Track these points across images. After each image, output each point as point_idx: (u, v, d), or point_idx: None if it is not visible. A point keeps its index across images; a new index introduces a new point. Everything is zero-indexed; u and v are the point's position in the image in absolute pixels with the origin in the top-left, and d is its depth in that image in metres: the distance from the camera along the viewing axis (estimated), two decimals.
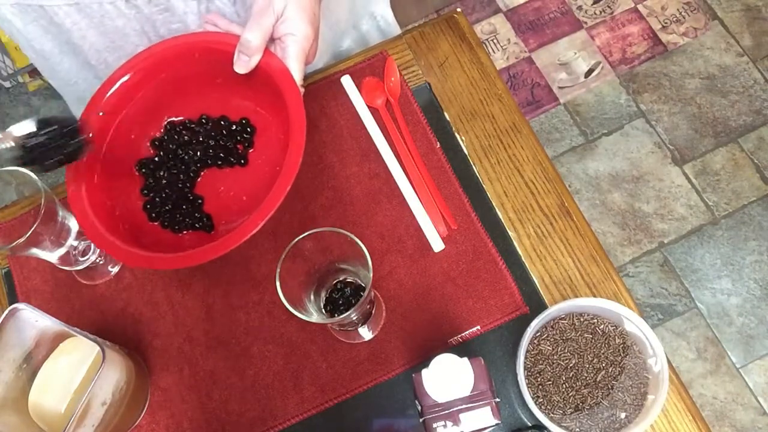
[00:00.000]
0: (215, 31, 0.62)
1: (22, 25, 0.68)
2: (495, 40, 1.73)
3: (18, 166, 0.52)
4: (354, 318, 0.54)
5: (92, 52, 0.70)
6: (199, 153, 0.65)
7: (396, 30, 0.87)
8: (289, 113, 0.57)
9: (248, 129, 0.65)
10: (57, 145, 0.53)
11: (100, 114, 0.61)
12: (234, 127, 0.66)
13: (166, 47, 0.62)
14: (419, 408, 0.51)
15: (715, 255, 1.46)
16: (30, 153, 0.51)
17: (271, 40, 0.59)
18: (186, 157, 0.65)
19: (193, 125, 0.66)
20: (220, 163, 0.65)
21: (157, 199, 0.64)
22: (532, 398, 0.54)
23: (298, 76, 0.58)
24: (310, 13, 0.57)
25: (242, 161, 0.65)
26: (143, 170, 0.65)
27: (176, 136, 0.66)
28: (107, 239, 0.56)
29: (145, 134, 0.66)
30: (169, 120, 0.66)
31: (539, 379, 0.57)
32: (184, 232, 0.63)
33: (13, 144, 0.51)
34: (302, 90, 0.59)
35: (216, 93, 0.65)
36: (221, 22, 0.62)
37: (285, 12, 0.56)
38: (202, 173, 0.66)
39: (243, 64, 0.59)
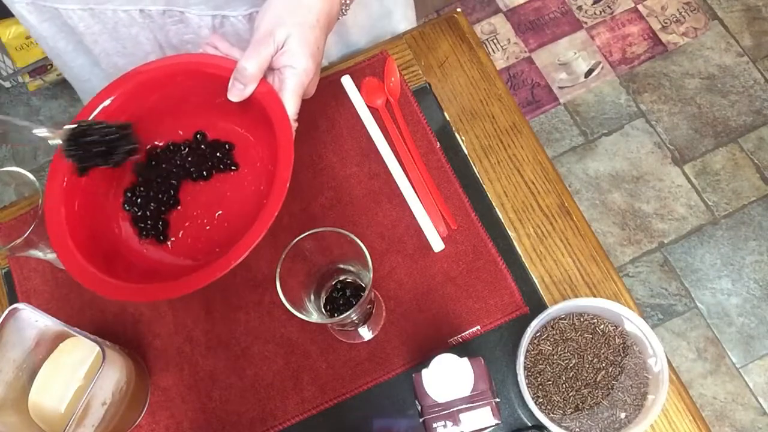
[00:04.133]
0: (213, 54, 0.60)
1: (36, 22, 0.68)
2: (495, 40, 1.73)
3: (68, 157, 0.54)
4: (354, 318, 0.54)
5: (103, 56, 0.71)
6: (179, 171, 0.64)
7: (413, 23, 0.85)
8: (277, 147, 0.55)
9: (226, 146, 0.64)
10: (109, 144, 0.54)
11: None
12: (209, 147, 0.64)
13: (158, 67, 0.61)
14: (419, 408, 0.51)
15: (715, 255, 1.46)
16: (79, 149, 0.53)
17: (270, 69, 0.57)
18: (166, 182, 0.64)
19: (171, 148, 0.65)
20: (195, 176, 0.64)
21: (138, 200, 0.63)
22: (532, 398, 0.54)
23: (292, 110, 0.56)
24: (314, 47, 0.55)
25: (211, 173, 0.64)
26: (126, 203, 0.63)
27: (155, 162, 0.64)
28: (85, 268, 0.55)
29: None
30: (149, 146, 0.65)
31: (539, 379, 0.57)
32: (145, 237, 0.62)
33: (60, 141, 0.53)
34: (295, 125, 0.57)
35: (207, 118, 0.64)
36: (222, 45, 0.60)
37: (286, 43, 0.54)
38: (181, 186, 0.65)
39: (237, 92, 0.57)
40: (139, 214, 0.62)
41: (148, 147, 0.65)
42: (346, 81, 0.72)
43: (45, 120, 1.75)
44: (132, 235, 0.62)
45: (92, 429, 0.52)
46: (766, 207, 1.49)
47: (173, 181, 0.64)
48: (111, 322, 0.66)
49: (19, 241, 0.54)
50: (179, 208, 0.64)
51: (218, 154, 0.64)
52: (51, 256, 0.61)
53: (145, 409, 0.62)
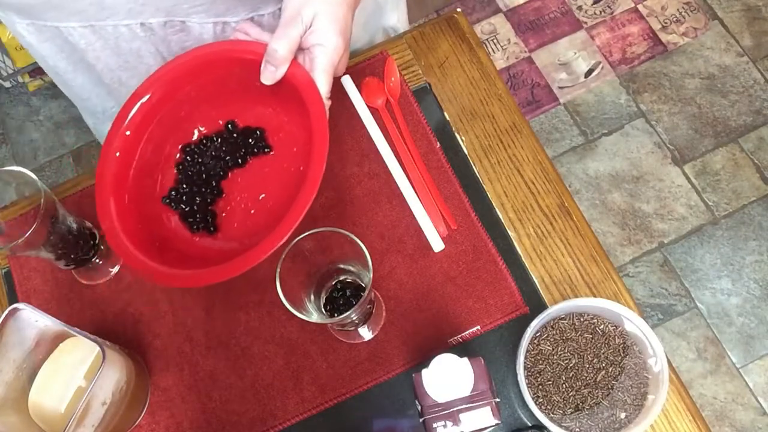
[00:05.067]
0: (243, 40, 0.61)
1: (36, 42, 0.68)
2: (495, 40, 1.73)
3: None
4: (354, 318, 0.54)
5: (106, 71, 0.70)
6: (218, 167, 0.65)
7: (405, 26, 0.86)
8: (312, 127, 0.56)
9: (257, 132, 0.65)
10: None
11: (127, 133, 0.61)
12: (242, 135, 0.65)
13: (190, 59, 0.62)
14: (419, 408, 0.51)
15: (715, 255, 1.46)
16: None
17: (300, 49, 0.57)
18: (206, 175, 0.65)
19: (205, 142, 0.66)
20: (231, 164, 0.65)
21: (182, 196, 0.64)
22: (532, 398, 0.54)
23: (324, 88, 0.56)
24: (342, 24, 0.55)
25: (249, 158, 0.65)
26: (172, 202, 0.64)
27: (193, 158, 0.65)
28: (141, 260, 0.56)
29: (173, 148, 0.66)
30: (183, 145, 0.66)
31: (539, 379, 0.57)
32: (196, 231, 0.63)
33: None
34: (328, 103, 0.57)
35: (243, 104, 0.64)
36: (252, 30, 0.61)
37: (314, 22, 0.54)
38: (225, 179, 0.65)
39: (269, 75, 0.57)
40: (187, 210, 0.63)
41: (182, 145, 0.65)
42: (346, 81, 0.72)
43: (45, 120, 1.75)
44: (182, 228, 0.63)
45: (92, 429, 0.52)
46: (766, 207, 1.49)
47: (213, 173, 0.64)
48: (111, 322, 0.66)
49: (19, 241, 0.54)
50: (223, 196, 0.64)
51: (250, 140, 0.64)
52: (51, 255, 0.61)
53: (145, 409, 0.62)
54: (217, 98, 0.64)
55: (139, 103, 0.61)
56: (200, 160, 0.65)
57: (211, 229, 0.63)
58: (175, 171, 0.65)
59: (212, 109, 0.65)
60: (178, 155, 0.65)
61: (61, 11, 0.62)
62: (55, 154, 1.71)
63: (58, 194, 0.73)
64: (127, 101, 0.61)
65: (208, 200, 0.63)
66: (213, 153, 0.65)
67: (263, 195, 0.64)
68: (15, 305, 0.52)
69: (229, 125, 0.65)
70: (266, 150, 0.64)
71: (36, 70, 1.68)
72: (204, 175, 0.64)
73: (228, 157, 0.65)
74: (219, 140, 0.65)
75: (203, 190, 0.64)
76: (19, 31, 0.67)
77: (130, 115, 0.61)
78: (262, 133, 0.65)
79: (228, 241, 0.63)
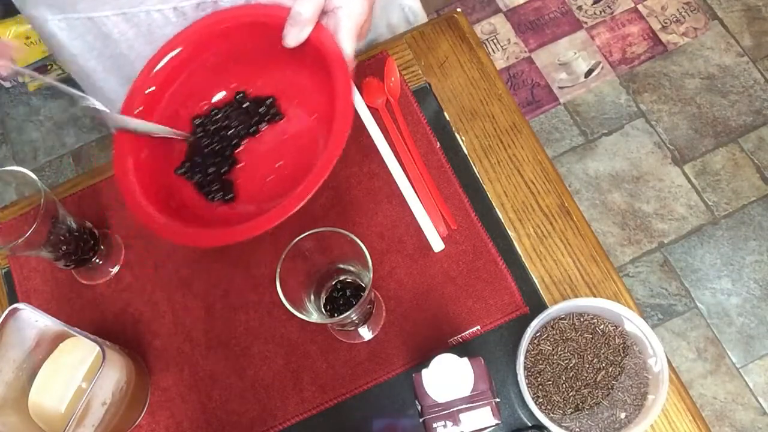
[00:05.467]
0: (265, 4, 0.60)
1: (68, 40, 0.68)
2: (495, 40, 1.73)
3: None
4: (354, 318, 0.54)
5: (139, 61, 0.70)
6: (230, 135, 0.64)
7: (423, 18, 0.86)
8: (335, 90, 0.55)
9: (267, 101, 0.64)
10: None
11: (149, 90, 0.61)
12: (253, 103, 0.65)
13: (215, 21, 0.61)
14: (419, 408, 0.51)
15: (715, 255, 1.46)
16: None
17: (324, 12, 0.56)
18: (219, 145, 0.64)
19: (215, 112, 0.65)
20: (242, 134, 0.64)
21: (196, 165, 0.63)
22: (532, 398, 0.54)
23: (348, 51, 0.56)
24: None
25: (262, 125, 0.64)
26: (187, 172, 0.64)
27: (204, 129, 0.65)
28: (155, 218, 0.56)
29: (191, 110, 0.65)
30: (193, 117, 0.65)
31: (539, 379, 0.57)
32: (212, 200, 0.62)
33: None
34: (352, 65, 0.56)
35: (265, 68, 0.64)
36: None
37: None
38: (241, 145, 0.65)
39: (293, 37, 0.56)
40: (201, 180, 0.62)
41: (192, 117, 0.64)
42: None
43: (45, 120, 1.75)
44: (198, 197, 0.63)
45: (92, 429, 0.52)
46: (766, 207, 1.49)
47: (225, 144, 0.64)
48: (111, 322, 0.66)
49: (19, 241, 0.54)
50: (242, 165, 0.64)
51: (261, 108, 0.63)
52: (51, 255, 0.61)
53: (145, 409, 0.62)
54: (239, 62, 0.64)
55: (167, 57, 0.61)
56: (211, 128, 0.64)
57: (227, 197, 0.62)
58: (186, 142, 0.64)
59: (233, 74, 0.64)
60: (190, 126, 0.65)
61: (94, 0, 0.62)
62: (55, 154, 1.71)
63: (58, 194, 0.73)
64: (155, 55, 0.61)
65: (222, 170, 0.62)
66: (224, 124, 0.64)
67: (281, 162, 0.63)
68: (15, 305, 0.52)
69: (239, 95, 0.64)
70: (277, 118, 0.63)
71: (36, 70, 1.68)
72: (217, 146, 0.63)
73: (240, 126, 0.64)
74: (229, 110, 0.64)
75: (216, 160, 0.63)
76: (50, 30, 0.67)
77: (157, 68, 0.61)
78: (273, 102, 0.64)
79: (247, 206, 0.62)
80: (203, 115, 0.65)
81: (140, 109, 0.60)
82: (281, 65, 0.63)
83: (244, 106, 0.64)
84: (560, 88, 1.65)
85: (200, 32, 0.61)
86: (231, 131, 0.64)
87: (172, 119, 0.63)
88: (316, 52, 0.57)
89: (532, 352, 0.58)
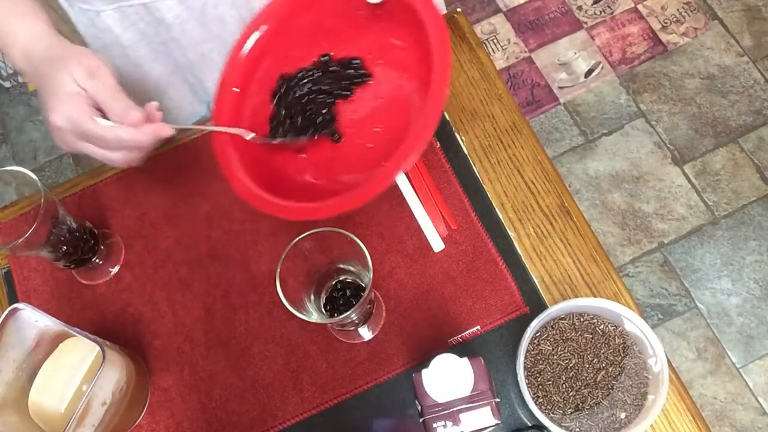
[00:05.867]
0: None
1: (121, 30, 0.68)
2: (495, 40, 1.73)
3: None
4: (354, 318, 0.54)
5: (191, 46, 0.71)
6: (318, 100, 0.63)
7: (442, 9, 0.85)
8: (429, 40, 0.54)
9: (353, 62, 0.63)
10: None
11: (239, 72, 0.61)
12: (339, 66, 0.64)
13: None
14: (419, 408, 0.51)
15: (715, 255, 1.46)
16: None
17: None
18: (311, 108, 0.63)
19: (301, 75, 0.64)
20: (335, 95, 0.63)
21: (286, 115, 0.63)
22: (532, 398, 0.54)
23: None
24: None
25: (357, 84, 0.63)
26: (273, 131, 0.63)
27: (291, 93, 0.64)
28: (258, 193, 0.56)
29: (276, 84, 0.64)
30: (281, 79, 0.64)
31: (539, 379, 0.57)
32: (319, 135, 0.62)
33: None
34: (443, 10, 0.55)
35: (357, 31, 0.63)
36: None
37: None
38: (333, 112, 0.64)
39: None
40: (303, 123, 0.62)
41: (281, 80, 0.64)
42: None
43: (45, 120, 1.75)
44: (296, 167, 0.62)
45: (92, 429, 0.52)
46: (766, 207, 1.49)
47: (317, 107, 0.63)
48: (111, 322, 0.66)
49: (19, 241, 0.54)
50: (343, 140, 0.63)
51: (349, 70, 0.63)
52: (50, 255, 0.61)
53: (145, 409, 0.62)
54: (329, 30, 0.63)
55: (253, 37, 0.61)
56: (297, 94, 0.63)
57: (335, 135, 0.61)
58: (275, 106, 0.63)
59: (324, 41, 0.64)
60: (279, 91, 0.64)
61: None
62: (55, 154, 1.71)
63: (58, 194, 0.73)
64: (242, 35, 0.61)
65: (314, 127, 0.62)
66: (312, 87, 0.63)
67: (379, 128, 0.62)
68: (15, 305, 0.52)
69: (324, 58, 0.63)
70: (366, 78, 0.62)
71: None
72: (310, 112, 0.63)
73: (330, 87, 0.63)
74: (316, 74, 0.64)
75: (311, 116, 0.62)
76: (102, 22, 0.67)
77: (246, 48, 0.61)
78: (360, 63, 0.63)
79: (349, 176, 0.61)
80: (290, 75, 0.64)
81: (236, 90, 0.61)
82: (366, 29, 0.62)
83: (330, 69, 0.63)
84: (560, 88, 1.65)
85: (283, 7, 0.61)
86: (321, 95, 0.63)
87: (262, 91, 0.63)
88: (407, 9, 0.56)
89: (532, 352, 0.58)
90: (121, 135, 0.50)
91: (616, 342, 0.58)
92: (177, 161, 0.72)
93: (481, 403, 0.48)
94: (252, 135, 0.59)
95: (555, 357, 0.57)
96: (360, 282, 0.59)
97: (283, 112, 0.62)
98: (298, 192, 0.59)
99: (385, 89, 0.63)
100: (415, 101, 0.59)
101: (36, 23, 0.55)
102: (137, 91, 0.77)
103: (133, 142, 0.50)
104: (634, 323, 0.56)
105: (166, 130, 0.52)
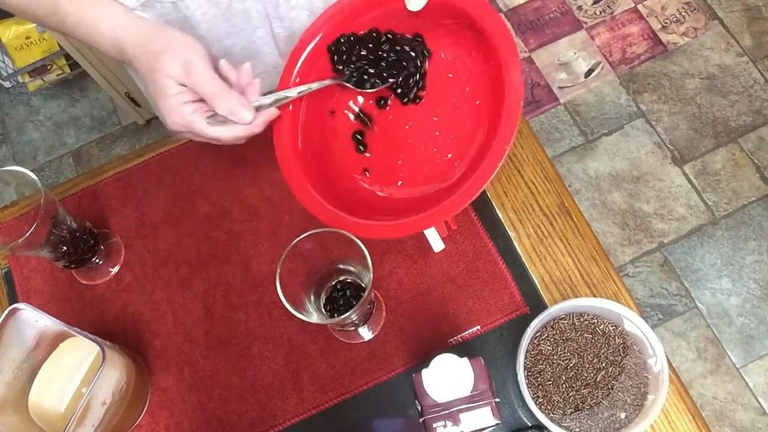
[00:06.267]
0: None
1: None
2: None
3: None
4: (354, 318, 0.54)
5: (215, 42, 0.71)
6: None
7: None
8: (495, 41, 0.54)
9: (416, 39, 0.61)
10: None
11: (297, 80, 0.61)
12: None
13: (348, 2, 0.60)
14: (419, 408, 0.51)
15: (715, 255, 1.46)
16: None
17: None
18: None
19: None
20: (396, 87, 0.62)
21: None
22: (532, 398, 0.54)
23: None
24: None
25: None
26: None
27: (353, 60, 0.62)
28: (327, 208, 0.55)
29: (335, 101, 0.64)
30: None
31: (539, 379, 0.57)
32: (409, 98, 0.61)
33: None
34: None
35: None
36: None
37: None
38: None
39: (416, 2, 0.56)
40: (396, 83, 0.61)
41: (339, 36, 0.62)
42: None
43: (45, 120, 1.75)
44: (363, 185, 0.61)
45: (92, 429, 0.52)
46: (766, 207, 1.49)
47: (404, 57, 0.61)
48: (111, 322, 0.66)
49: (20, 241, 0.54)
50: (409, 142, 0.62)
51: (407, 46, 0.61)
52: (50, 255, 0.61)
53: (145, 409, 0.62)
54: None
55: (313, 42, 0.60)
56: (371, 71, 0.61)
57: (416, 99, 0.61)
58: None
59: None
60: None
61: None
62: (55, 154, 1.71)
63: (58, 194, 0.73)
64: (303, 36, 0.61)
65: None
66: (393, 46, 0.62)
67: (437, 132, 0.61)
68: (15, 305, 0.52)
69: (388, 33, 0.61)
70: (425, 53, 0.61)
71: (36, 70, 1.68)
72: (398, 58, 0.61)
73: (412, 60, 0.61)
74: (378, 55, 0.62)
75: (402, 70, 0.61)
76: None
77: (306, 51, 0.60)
78: (421, 39, 0.61)
79: (415, 187, 0.60)
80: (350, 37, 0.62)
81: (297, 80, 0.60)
82: (434, 32, 0.61)
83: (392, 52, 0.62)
84: (560, 88, 1.65)
85: (340, 14, 0.60)
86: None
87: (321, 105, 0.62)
88: (456, 11, 0.56)
89: (532, 352, 0.58)
90: (238, 134, 0.53)
91: (616, 342, 0.58)
92: (177, 161, 0.72)
93: (481, 403, 0.48)
94: (341, 79, 0.59)
95: (555, 357, 0.57)
96: (360, 282, 0.59)
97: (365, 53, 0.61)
98: (363, 205, 0.59)
99: (445, 96, 0.62)
100: (478, 105, 0.59)
101: (116, 10, 0.55)
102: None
103: (250, 135, 0.54)
104: (634, 323, 0.56)
105: (274, 113, 0.55)
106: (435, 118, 0.62)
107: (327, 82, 0.59)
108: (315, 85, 0.58)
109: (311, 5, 0.71)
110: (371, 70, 0.60)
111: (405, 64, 0.60)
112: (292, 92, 0.57)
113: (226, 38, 0.72)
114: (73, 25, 0.56)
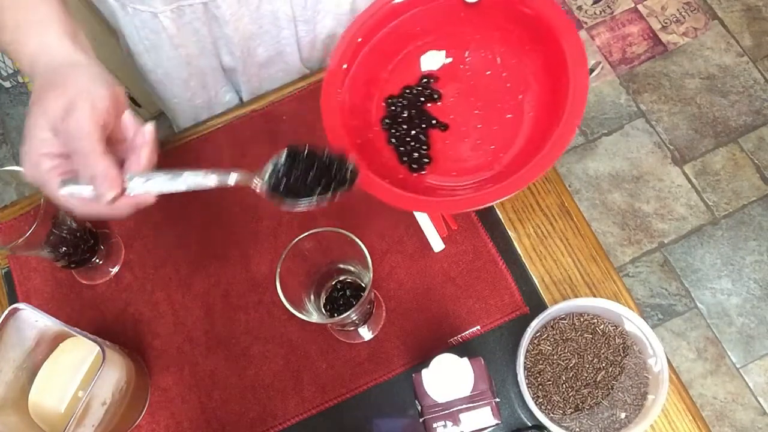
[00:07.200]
0: None
1: (176, 30, 0.68)
2: None
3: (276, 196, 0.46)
4: (354, 318, 0.54)
5: (241, 42, 0.72)
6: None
7: None
8: (557, 29, 0.55)
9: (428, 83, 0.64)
10: (320, 172, 0.47)
11: (344, 66, 0.61)
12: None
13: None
14: (419, 408, 0.51)
15: (715, 255, 1.46)
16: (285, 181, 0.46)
17: None
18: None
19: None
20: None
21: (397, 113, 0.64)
22: (532, 398, 0.54)
23: None
24: None
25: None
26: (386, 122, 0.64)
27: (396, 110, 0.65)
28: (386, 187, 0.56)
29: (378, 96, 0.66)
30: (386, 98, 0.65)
31: (539, 379, 0.57)
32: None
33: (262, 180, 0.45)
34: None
35: (462, 33, 0.64)
36: None
37: None
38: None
39: None
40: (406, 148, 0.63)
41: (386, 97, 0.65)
42: None
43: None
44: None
45: (92, 429, 0.52)
46: (766, 207, 1.49)
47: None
48: (111, 322, 0.66)
49: (20, 241, 0.54)
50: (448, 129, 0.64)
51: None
52: (50, 255, 0.61)
53: (145, 409, 0.62)
54: (434, 32, 0.64)
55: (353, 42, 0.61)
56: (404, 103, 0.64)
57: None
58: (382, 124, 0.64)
59: (426, 45, 0.65)
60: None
61: None
62: None
63: None
64: (340, 40, 0.62)
65: (423, 137, 0.63)
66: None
67: (479, 125, 0.63)
68: (15, 305, 0.52)
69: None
70: (435, 97, 0.64)
71: None
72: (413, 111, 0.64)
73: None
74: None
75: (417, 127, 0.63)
76: (156, 24, 0.67)
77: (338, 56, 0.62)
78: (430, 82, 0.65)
79: (465, 176, 0.62)
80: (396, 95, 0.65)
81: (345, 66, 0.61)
82: (482, 27, 0.63)
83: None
84: None
85: (385, 9, 0.62)
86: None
87: (365, 97, 0.64)
88: (507, 7, 0.58)
89: (532, 352, 0.58)
90: (91, 211, 0.44)
91: (616, 342, 0.58)
92: (177, 161, 0.72)
93: (481, 403, 0.48)
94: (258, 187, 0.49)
95: (555, 357, 0.57)
96: (360, 282, 0.59)
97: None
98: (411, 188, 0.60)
99: (491, 90, 0.64)
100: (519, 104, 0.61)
101: (47, 32, 0.48)
102: (177, 86, 0.78)
103: (108, 217, 0.45)
104: (634, 323, 0.56)
105: (148, 200, 0.46)
106: (476, 111, 0.64)
107: (230, 183, 0.47)
108: (211, 184, 0.47)
109: (338, 9, 0.72)
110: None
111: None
112: (181, 185, 0.47)
113: (251, 39, 0.72)
114: (7, 42, 0.49)
